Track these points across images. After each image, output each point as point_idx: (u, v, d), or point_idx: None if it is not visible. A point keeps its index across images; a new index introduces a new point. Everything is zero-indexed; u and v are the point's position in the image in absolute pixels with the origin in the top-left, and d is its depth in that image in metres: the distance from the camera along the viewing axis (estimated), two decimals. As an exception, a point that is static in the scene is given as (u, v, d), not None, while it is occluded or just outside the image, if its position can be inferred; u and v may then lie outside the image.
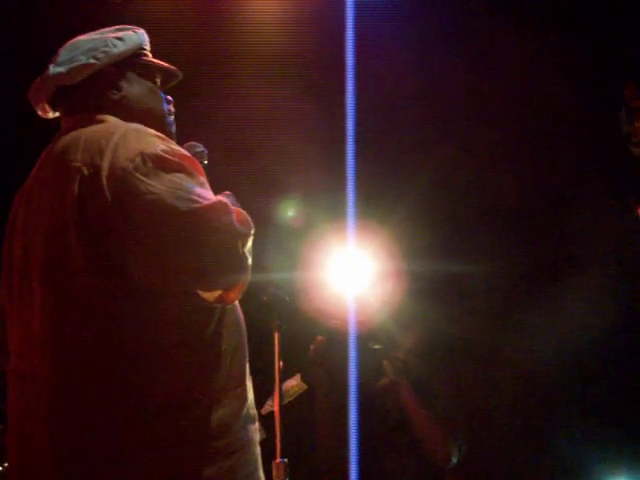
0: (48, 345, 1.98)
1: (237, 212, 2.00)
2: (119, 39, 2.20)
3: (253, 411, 2.12)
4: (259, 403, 3.21)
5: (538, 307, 4.23)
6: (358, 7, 4.16)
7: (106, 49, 2.17)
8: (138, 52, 2.25)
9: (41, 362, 1.99)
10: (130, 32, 2.25)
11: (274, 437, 2.62)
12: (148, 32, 2.32)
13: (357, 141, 4.20)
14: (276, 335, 2.64)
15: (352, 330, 3.71)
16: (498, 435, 4.32)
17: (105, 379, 1.94)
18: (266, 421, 2.88)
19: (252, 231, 2.02)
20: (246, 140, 4.25)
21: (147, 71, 2.26)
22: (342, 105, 4.20)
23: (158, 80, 2.29)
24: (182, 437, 1.95)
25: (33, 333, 2.01)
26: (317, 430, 3.73)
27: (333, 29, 4.18)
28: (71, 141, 2.06)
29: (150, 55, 2.31)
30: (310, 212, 4.25)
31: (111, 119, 2.12)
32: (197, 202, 1.94)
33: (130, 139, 2.00)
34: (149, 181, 1.93)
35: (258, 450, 2.11)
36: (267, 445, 2.67)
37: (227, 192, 2.14)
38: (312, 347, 3.73)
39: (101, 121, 2.11)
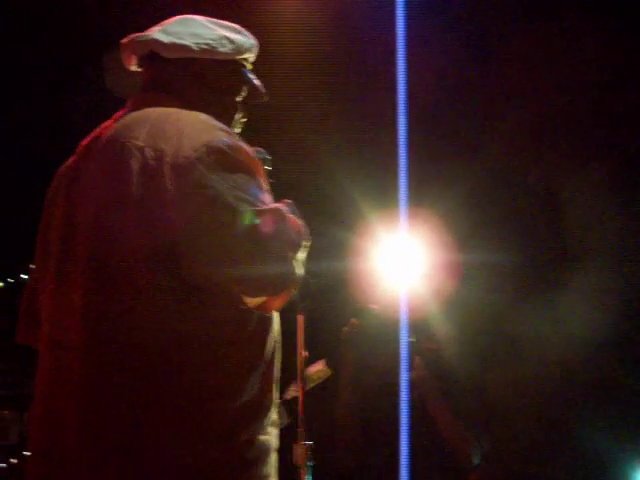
0: (89, 317, 1.95)
1: (293, 221, 1.96)
2: (230, 41, 2.18)
3: (276, 417, 2.10)
4: (283, 387, 3.18)
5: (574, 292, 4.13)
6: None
7: (212, 43, 2.15)
8: (240, 58, 2.23)
9: (79, 333, 1.96)
10: (243, 37, 2.23)
11: (297, 421, 2.58)
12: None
13: (409, 126, 4.15)
14: (299, 317, 2.59)
15: (391, 319, 3.65)
16: (521, 430, 4.21)
17: (137, 358, 1.92)
18: (290, 405, 2.84)
19: (306, 242, 1.98)
20: (296, 123, 4.25)
21: (237, 80, 2.23)
22: (394, 89, 4.16)
23: (243, 91, 2.26)
24: (206, 429, 1.92)
25: (73, 305, 1.98)
26: (337, 412, 3.68)
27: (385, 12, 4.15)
28: (136, 120, 2.03)
29: (249, 64, 2.29)
30: (361, 198, 4.21)
31: (178, 106, 2.08)
32: (254, 205, 1.90)
33: (197, 128, 1.97)
34: (211, 175, 1.89)
35: (276, 456, 2.09)
36: (291, 429, 2.64)
37: (288, 200, 2.08)
38: (345, 329, 3.69)
39: (169, 105, 2.08)
